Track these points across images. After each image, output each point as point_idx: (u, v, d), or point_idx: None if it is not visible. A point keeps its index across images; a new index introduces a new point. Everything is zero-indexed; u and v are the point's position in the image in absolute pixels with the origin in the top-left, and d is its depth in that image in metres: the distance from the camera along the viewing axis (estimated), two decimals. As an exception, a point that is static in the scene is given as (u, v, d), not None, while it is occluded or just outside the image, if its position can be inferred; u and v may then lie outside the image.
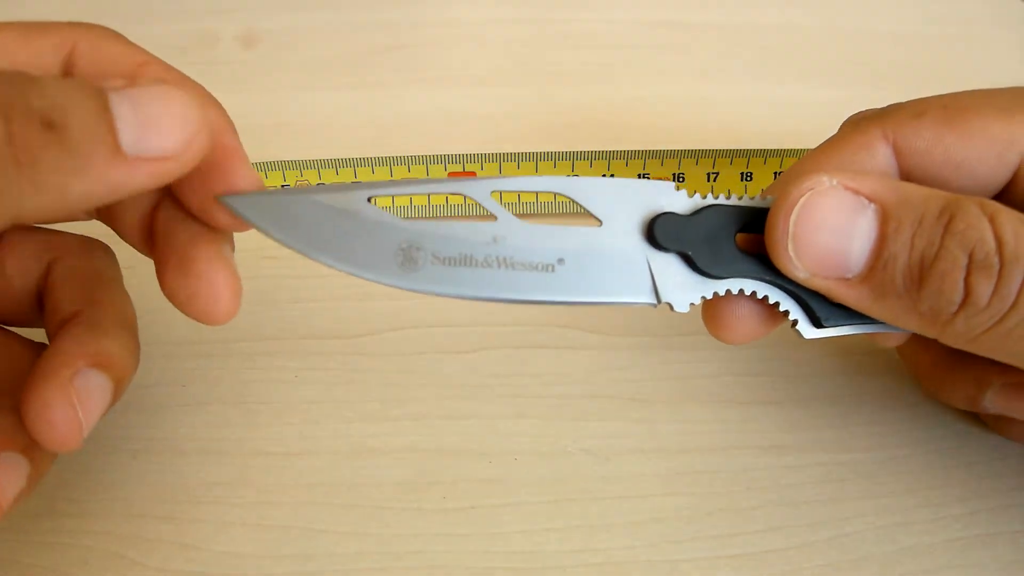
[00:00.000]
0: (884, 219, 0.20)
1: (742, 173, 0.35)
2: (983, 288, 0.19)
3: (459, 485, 0.26)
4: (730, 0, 0.48)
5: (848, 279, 0.20)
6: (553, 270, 0.21)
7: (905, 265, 0.20)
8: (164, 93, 0.18)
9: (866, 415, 0.28)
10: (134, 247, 0.23)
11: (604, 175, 0.35)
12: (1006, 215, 0.19)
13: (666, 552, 0.25)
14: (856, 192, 0.20)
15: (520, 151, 0.35)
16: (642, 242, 0.22)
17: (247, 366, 0.29)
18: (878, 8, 0.47)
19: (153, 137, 0.17)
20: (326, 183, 0.22)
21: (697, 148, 0.35)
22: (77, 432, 0.20)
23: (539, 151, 0.35)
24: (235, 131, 0.21)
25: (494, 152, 0.34)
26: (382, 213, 0.21)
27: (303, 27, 0.45)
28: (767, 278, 0.22)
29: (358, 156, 0.34)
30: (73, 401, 0.20)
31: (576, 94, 0.41)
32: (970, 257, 0.19)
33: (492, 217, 0.21)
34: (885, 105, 0.24)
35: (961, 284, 0.19)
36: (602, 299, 0.22)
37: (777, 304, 0.22)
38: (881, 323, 0.22)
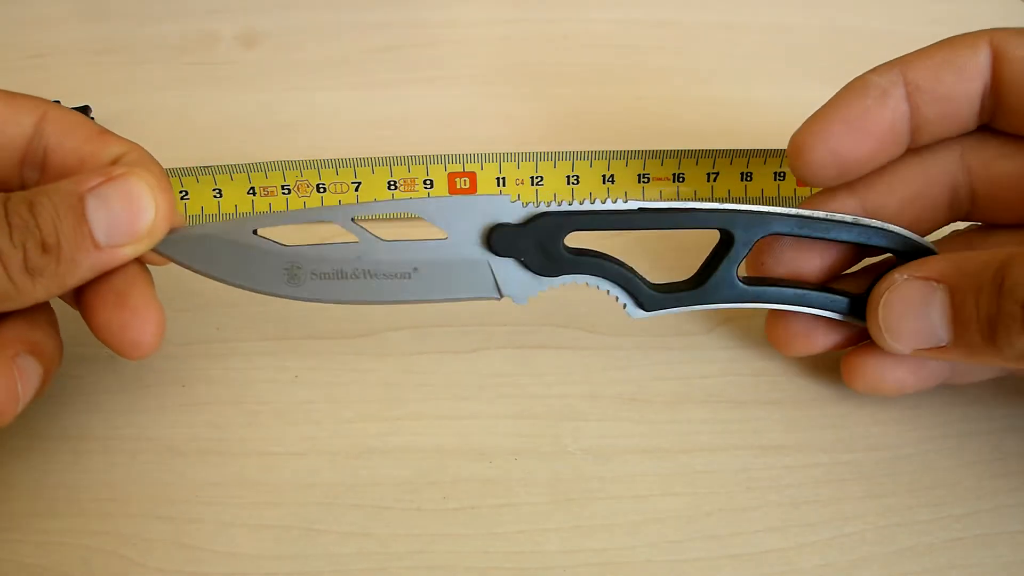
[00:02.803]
0: (952, 296, 0.24)
1: (742, 173, 0.35)
2: None
3: (459, 485, 0.26)
4: (730, 0, 0.48)
5: (943, 347, 0.24)
6: (410, 277, 0.26)
7: (976, 328, 0.23)
8: (129, 189, 0.23)
9: (866, 415, 0.28)
10: (62, 298, 0.26)
11: (604, 175, 0.35)
12: None
13: (666, 552, 0.25)
14: (925, 279, 0.24)
15: (520, 151, 0.35)
16: (483, 249, 0.26)
17: (247, 366, 0.29)
18: (878, 8, 0.47)
19: (122, 230, 0.23)
20: (217, 221, 0.29)
21: (697, 148, 0.35)
22: (15, 405, 0.23)
23: (539, 151, 0.35)
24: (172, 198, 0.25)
25: (494, 152, 0.34)
26: (264, 241, 0.26)
27: (303, 27, 0.45)
28: (595, 272, 0.26)
29: (358, 156, 0.34)
30: (15, 376, 0.23)
31: (576, 94, 0.41)
32: (1022, 307, 0.22)
33: (354, 238, 0.26)
34: None
35: (1020, 330, 0.22)
36: (452, 297, 0.26)
37: (616, 297, 0.27)
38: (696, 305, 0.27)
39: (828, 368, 0.29)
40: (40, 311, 0.25)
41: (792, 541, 0.25)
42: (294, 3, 0.47)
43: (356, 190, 0.34)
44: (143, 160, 0.25)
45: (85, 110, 0.38)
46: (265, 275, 0.26)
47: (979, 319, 0.23)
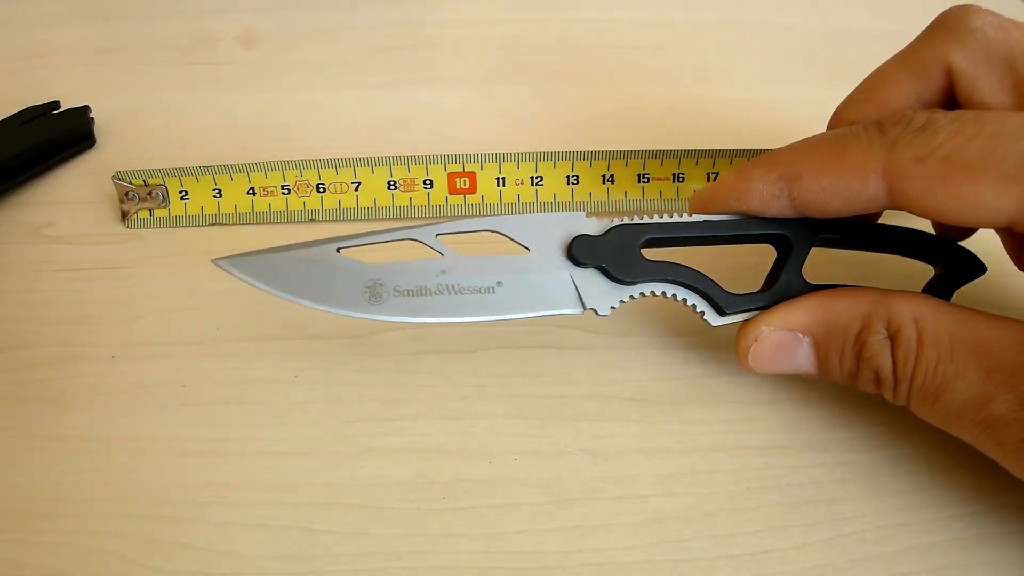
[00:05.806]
0: (816, 348, 0.26)
1: (742, 173, 0.35)
2: (888, 393, 0.25)
3: (459, 485, 0.26)
4: (730, 0, 0.48)
5: (810, 373, 0.26)
6: (494, 292, 0.26)
7: (838, 375, 0.26)
8: None
9: (866, 415, 0.28)
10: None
11: (604, 175, 0.35)
12: (906, 335, 0.24)
13: (666, 552, 0.25)
14: (791, 329, 0.26)
15: (520, 151, 0.35)
16: (564, 261, 0.26)
17: (247, 366, 0.29)
18: (878, 8, 0.47)
19: None
20: (300, 241, 0.27)
21: (697, 148, 0.35)
22: None
23: (539, 151, 0.35)
24: None
25: (494, 152, 0.34)
26: (347, 259, 0.26)
27: (303, 27, 0.45)
28: (671, 279, 0.26)
29: (358, 156, 0.34)
30: None
31: (576, 94, 0.41)
32: (876, 374, 0.24)
33: (438, 253, 0.26)
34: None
35: (874, 387, 0.25)
36: (538, 312, 0.26)
37: (684, 300, 0.27)
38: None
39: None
40: None
41: (792, 541, 0.25)
42: (294, 3, 0.47)
43: (356, 190, 0.34)
44: None
45: (85, 110, 0.38)
46: (345, 294, 0.26)
47: (841, 372, 0.25)
